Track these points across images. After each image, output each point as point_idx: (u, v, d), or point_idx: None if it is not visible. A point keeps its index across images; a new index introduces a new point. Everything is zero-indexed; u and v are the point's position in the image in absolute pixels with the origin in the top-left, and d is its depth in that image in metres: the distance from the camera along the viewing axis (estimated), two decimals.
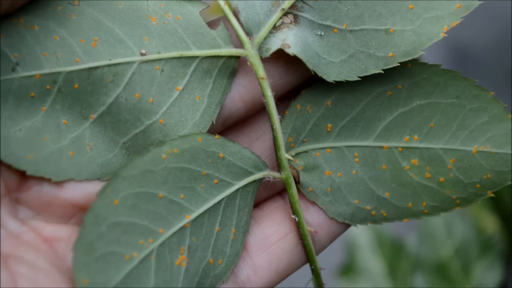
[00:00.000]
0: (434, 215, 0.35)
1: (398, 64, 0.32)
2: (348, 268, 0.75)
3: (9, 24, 0.31)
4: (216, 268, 0.33)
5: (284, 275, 0.35)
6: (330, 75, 0.33)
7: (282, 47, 0.33)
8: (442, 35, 0.32)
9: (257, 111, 0.35)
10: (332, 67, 0.33)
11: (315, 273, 0.37)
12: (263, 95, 0.33)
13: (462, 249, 0.72)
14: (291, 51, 0.33)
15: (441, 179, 0.34)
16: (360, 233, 0.75)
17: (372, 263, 0.74)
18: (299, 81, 0.35)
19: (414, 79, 0.33)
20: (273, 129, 0.34)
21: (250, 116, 0.36)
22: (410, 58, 0.32)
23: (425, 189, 0.34)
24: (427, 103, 0.33)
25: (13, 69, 0.31)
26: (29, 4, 0.31)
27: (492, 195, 0.33)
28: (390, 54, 0.32)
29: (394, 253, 0.73)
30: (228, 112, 0.34)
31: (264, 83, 0.33)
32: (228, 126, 0.35)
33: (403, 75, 0.33)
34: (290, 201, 0.35)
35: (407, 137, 0.34)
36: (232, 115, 0.35)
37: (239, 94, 0.34)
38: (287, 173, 0.35)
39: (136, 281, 0.30)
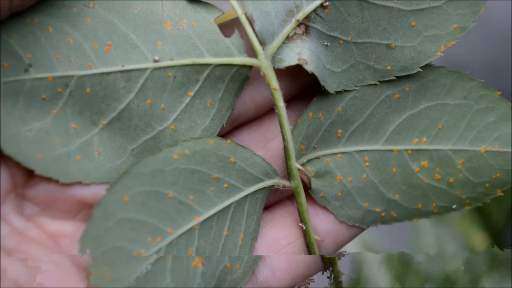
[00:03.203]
0: (443, 215, 0.35)
1: (394, 78, 0.33)
2: (356, 284, 0.75)
3: (23, 24, 0.31)
4: (234, 273, 0.33)
5: (300, 279, 0.35)
6: (332, 86, 0.34)
7: (300, 63, 0.33)
8: (439, 54, 0.33)
9: (265, 112, 0.36)
10: (334, 77, 0.34)
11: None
12: (275, 105, 0.34)
13: (470, 264, 0.71)
14: (308, 68, 0.33)
15: (451, 180, 0.34)
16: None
17: (380, 278, 0.74)
18: (302, 87, 0.35)
19: (421, 81, 0.34)
20: (284, 139, 0.34)
21: (258, 116, 0.36)
22: (407, 73, 0.33)
23: (435, 190, 0.34)
24: (435, 105, 0.34)
25: (26, 70, 0.31)
26: (43, 3, 0.31)
27: (502, 193, 0.34)
28: (388, 67, 0.33)
29: (402, 268, 0.73)
30: (237, 112, 0.34)
31: (277, 94, 0.33)
32: (236, 127, 0.35)
33: (410, 77, 0.34)
34: (298, 210, 0.35)
35: (416, 140, 0.34)
36: (241, 116, 0.35)
37: (249, 95, 0.34)
38: (296, 182, 0.35)
39: (152, 279, 0.30)
